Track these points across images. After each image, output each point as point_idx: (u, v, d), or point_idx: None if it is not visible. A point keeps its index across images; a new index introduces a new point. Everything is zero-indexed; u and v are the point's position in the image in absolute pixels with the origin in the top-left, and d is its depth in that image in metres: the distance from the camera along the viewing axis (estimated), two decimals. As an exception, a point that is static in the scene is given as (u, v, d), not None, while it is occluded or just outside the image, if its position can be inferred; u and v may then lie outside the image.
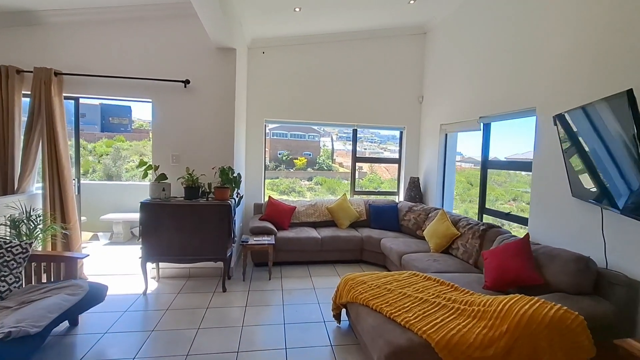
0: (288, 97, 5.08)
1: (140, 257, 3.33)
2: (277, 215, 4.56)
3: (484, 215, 3.97)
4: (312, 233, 4.42)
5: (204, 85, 3.73)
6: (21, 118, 3.39)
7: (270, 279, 3.85)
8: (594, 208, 2.44)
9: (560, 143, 2.62)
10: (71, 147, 3.70)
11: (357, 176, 5.58)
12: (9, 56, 3.40)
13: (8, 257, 2.49)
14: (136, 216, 5.43)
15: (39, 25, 3.47)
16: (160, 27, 3.65)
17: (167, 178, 3.44)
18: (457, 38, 4.40)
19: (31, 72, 3.32)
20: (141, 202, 3.30)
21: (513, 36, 3.37)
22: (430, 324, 2.02)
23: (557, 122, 2.62)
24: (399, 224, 4.68)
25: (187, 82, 3.63)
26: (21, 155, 3.35)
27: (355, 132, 5.44)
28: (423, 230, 4.21)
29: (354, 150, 5.48)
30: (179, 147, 3.75)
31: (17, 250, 2.54)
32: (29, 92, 3.36)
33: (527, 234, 2.71)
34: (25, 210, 3.06)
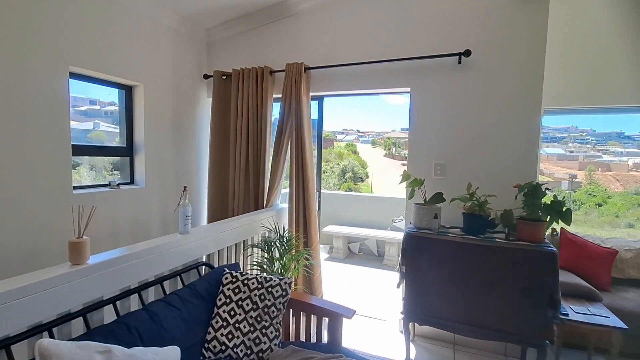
0: (584, 69, 3.13)
1: (401, 314, 2.33)
2: (586, 262, 2.74)
3: None
4: (678, 308, 2.36)
5: (489, 55, 2.42)
6: (272, 125, 3.06)
7: (611, 390, 2.12)
8: None
9: None
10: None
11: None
12: (262, 57, 3.13)
13: (269, 300, 1.89)
14: (355, 231, 4.87)
15: (288, 16, 3.06)
16: (424, -15, 2.59)
17: (444, 200, 2.30)
18: None
19: (282, 71, 2.91)
20: (407, 232, 2.29)
21: None
22: None
23: None
24: None
25: (465, 53, 2.41)
26: (270, 165, 3.00)
27: None
28: None
29: None
30: (446, 152, 2.58)
31: (277, 292, 1.91)
32: (277, 95, 2.99)
33: None
34: (277, 229, 2.59)
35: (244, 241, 2.52)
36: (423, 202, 2.36)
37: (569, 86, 3.21)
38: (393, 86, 2.72)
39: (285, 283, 1.93)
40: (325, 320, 1.93)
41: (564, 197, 2.21)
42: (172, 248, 1.85)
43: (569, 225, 2.04)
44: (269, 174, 2.98)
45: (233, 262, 2.41)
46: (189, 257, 1.99)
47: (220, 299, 1.87)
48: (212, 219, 3.16)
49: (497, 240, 2.10)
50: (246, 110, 3.02)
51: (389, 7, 2.70)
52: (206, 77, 3.31)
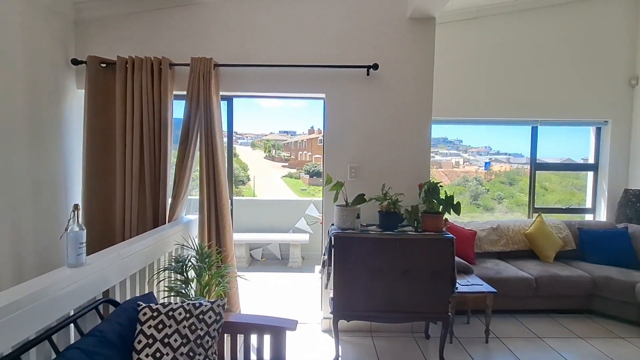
0: (454, 88, 3.94)
1: (331, 314, 2.38)
2: (457, 243, 3.37)
3: None
4: (516, 271, 3.20)
5: (392, 70, 2.74)
6: (172, 126, 2.66)
7: (487, 342, 2.70)
8: None
9: None
10: (221, 161, 2.91)
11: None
12: (158, 46, 2.69)
13: (201, 329, 1.63)
14: (257, 237, 4.70)
15: (190, 4, 2.72)
16: (333, -2, 2.73)
17: (365, 201, 2.46)
18: None
19: (185, 65, 2.57)
20: (333, 234, 2.35)
21: None
22: None
23: None
24: (639, 258, 3.27)
25: (373, 67, 2.66)
26: (174, 173, 2.60)
27: (535, 130, 4.14)
28: None
29: (534, 155, 4.17)
30: (359, 155, 2.78)
31: (210, 317, 1.67)
32: (182, 92, 2.62)
33: None
34: (194, 245, 2.26)
35: (148, 265, 2.10)
36: (345, 204, 2.48)
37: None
38: (308, 91, 2.76)
39: (219, 305, 1.71)
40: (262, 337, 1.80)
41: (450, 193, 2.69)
42: (61, 289, 1.39)
43: (458, 215, 2.50)
44: (173, 183, 2.58)
45: (138, 293, 1.98)
46: (84, 296, 1.53)
47: (139, 342, 1.51)
48: (89, 245, 2.51)
49: (409, 233, 2.40)
50: (138, 107, 2.53)
51: (307, 14, 2.73)
52: (75, 62, 2.61)
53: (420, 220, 2.49)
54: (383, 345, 2.62)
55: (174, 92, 2.68)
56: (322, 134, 2.92)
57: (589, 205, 4.24)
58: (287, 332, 1.79)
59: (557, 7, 3.88)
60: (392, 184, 2.69)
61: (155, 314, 1.59)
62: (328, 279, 2.40)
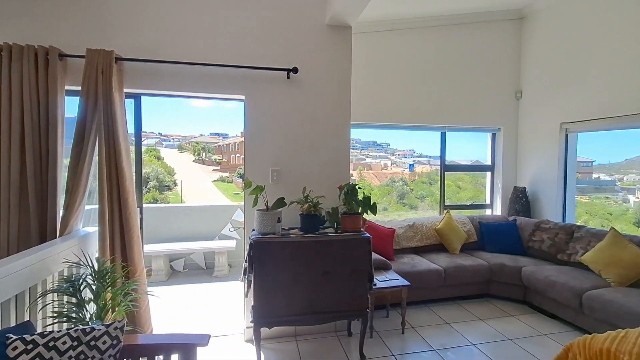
0: (361, 94, 4.17)
1: (251, 323, 2.30)
2: (378, 242, 3.60)
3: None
4: (428, 263, 3.50)
5: (312, 74, 2.78)
6: (64, 125, 2.31)
7: (403, 333, 2.89)
8: None
9: None
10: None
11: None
12: (40, 33, 2.33)
13: (93, 357, 1.43)
14: (178, 247, 4.36)
15: (87, -9, 2.41)
16: (252, -1, 2.67)
17: (285, 204, 2.43)
18: (586, 20, 3.63)
19: (80, 57, 2.27)
20: (252, 239, 2.28)
21: None
22: None
23: None
24: (525, 246, 3.83)
25: (293, 70, 2.66)
26: (67, 179, 2.26)
27: (444, 135, 4.59)
28: (570, 255, 3.38)
29: (443, 158, 4.62)
30: (281, 159, 2.76)
31: (105, 343, 1.48)
32: (77, 88, 2.30)
33: None
34: (91, 262, 1.98)
35: (29, 289, 1.79)
36: (266, 208, 2.43)
37: (355, 105, 4.13)
38: (227, 92, 2.65)
39: (116, 328, 1.53)
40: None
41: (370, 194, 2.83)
42: None
43: (375, 215, 2.63)
44: (65, 191, 2.25)
45: (16, 322, 1.67)
46: None
47: (7, 383, 1.27)
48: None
49: (329, 234, 2.44)
50: (18, 103, 2.15)
51: (227, 12, 2.61)
52: None
53: (340, 222, 2.56)
54: (307, 348, 2.63)
55: (69, 88, 2.35)
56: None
57: (488, 201, 4.85)
58: (199, 348, 1.68)
59: (457, 26, 4.37)
60: (313, 186, 2.72)
61: (30, 346, 1.35)
62: (249, 287, 2.32)
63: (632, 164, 4.28)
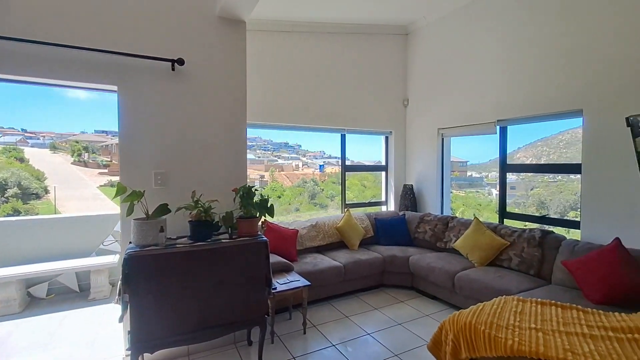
0: (267, 94, 4.12)
1: (128, 350, 1.97)
2: (281, 243, 3.56)
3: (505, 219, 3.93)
4: (330, 261, 3.61)
5: (203, 69, 2.56)
6: None
7: (305, 333, 2.89)
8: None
9: (634, 142, 2.62)
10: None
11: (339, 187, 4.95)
12: None
13: None
14: (41, 268, 3.54)
15: None
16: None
17: (169, 211, 2.16)
18: (459, 40, 4.27)
19: None
20: (127, 255, 1.96)
21: (541, 34, 3.36)
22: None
23: (631, 123, 2.61)
24: (412, 237, 4.27)
25: (178, 62, 2.41)
26: None
27: (344, 137, 4.83)
28: (446, 243, 3.90)
29: (343, 158, 4.86)
30: (167, 160, 2.47)
31: None
32: None
33: (617, 238, 2.61)
34: None
35: None
36: (145, 216, 2.13)
37: (259, 106, 4.04)
38: (94, 81, 2.24)
39: None
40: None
41: (265, 195, 2.75)
42: None
43: (272, 217, 2.56)
44: None
45: None
46: None
47: None
48: None
49: (222, 241, 2.28)
50: None
51: (79, -18, 2.19)
52: None
53: (235, 226, 2.41)
54: (202, 366, 2.41)
55: None
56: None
57: (383, 198, 5.28)
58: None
59: (353, 35, 4.64)
60: (206, 190, 2.52)
61: None
62: (125, 309, 2.00)
63: (493, 164, 5.18)
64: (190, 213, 2.28)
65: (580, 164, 3.10)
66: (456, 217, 4.10)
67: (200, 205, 2.29)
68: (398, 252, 3.90)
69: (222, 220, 2.42)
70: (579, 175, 3.14)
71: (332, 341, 2.76)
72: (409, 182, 5.07)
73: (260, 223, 2.62)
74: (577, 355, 1.75)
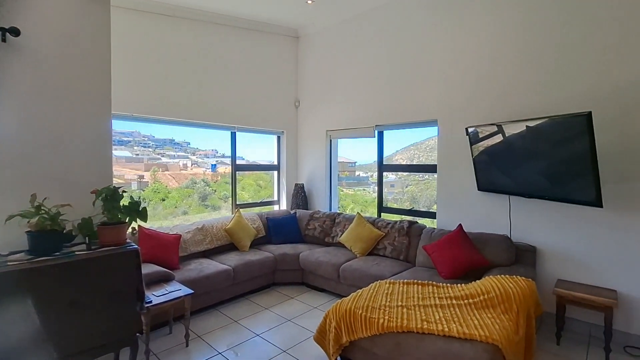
0: (148, 84, 3.68)
1: None
2: (160, 251, 3.21)
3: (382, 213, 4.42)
4: (217, 265, 3.42)
5: (53, 47, 2.08)
6: None
7: (188, 345, 2.67)
8: (499, 197, 3.23)
9: (471, 149, 3.28)
10: None
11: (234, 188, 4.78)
12: None
13: None
14: None
15: None
16: None
17: (-6, 220, 1.67)
18: (345, 49, 4.59)
19: None
20: None
21: (417, 51, 3.90)
22: (484, 329, 2.01)
23: (469, 133, 3.26)
24: (302, 235, 4.41)
25: (10, 31, 1.90)
26: None
27: (234, 135, 4.65)
28: (333, 237, 4.17)
29: (234, 157, 4.69)
30: (-8, 156, 1.92)
31: None
32: None
33: (460, 224, 3.22)
34: None
35: None
36: (-46, 228, 1.61)
37: (137, 96, 3.56)
38: None
39: None
40: None
41: (139, 197, 2.42)
42: None
43: (145, 222, 2.27)
44: None
45: None
46: None
47: None
48: None
49: (76, 253, 1.90)
50: None
51: None
52: None
53: (95, 235, 2.05)
54: (49, 408, 1.96)
55: None
56: None
57: (276, 198, 5.31)
58: None
59: (244, 30, 4.53)
60: (55, 193, 2.06)
61: None
62: None
63: (376, 165, 5.79)
64: (28, 222, 1.83)
65: (436, 165, 3.73)
66: (342, 213, 4.41)
67: (43, 212, 1.86)
68: (289, 250, 3.98)
69: (76, 228, 2.02)
70: (436, 174, 3.76)
71: (218, 349, 2.62)
72: (300, 181, 5.23)
73: (130, 229, 2.30)
74: (430, 323, 2.09)
